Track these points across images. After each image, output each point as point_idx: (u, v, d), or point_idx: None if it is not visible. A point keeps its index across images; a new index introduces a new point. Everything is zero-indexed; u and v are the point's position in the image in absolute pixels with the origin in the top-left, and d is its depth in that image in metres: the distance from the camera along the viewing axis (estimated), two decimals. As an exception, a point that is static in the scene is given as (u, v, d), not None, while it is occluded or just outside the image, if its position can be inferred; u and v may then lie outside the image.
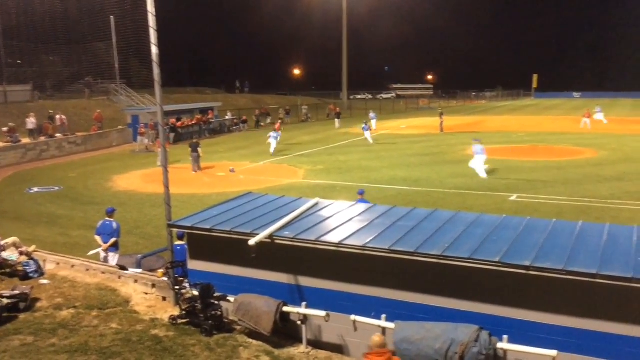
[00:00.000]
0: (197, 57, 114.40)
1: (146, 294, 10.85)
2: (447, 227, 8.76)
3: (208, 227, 9.52)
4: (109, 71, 48.07)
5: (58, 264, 12.35)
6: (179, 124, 42.00)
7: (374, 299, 8.27)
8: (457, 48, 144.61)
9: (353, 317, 8.22)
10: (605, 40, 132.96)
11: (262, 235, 8.81)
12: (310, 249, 8.63)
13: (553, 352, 6.93)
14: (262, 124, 54.03)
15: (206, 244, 9.77)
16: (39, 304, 10.25)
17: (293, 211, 9.90)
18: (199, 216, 10.17)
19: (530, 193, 20.84)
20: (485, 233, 8.36)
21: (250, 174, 26.69)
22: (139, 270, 11.67)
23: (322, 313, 8.42)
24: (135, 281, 11.15)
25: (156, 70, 10.10)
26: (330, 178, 25.21)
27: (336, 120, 51.97)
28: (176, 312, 9.77)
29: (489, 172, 24.49)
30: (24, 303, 10.00)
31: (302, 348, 8.76)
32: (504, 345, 7.27)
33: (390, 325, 7.89)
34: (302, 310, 8.66)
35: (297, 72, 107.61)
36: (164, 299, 10.57)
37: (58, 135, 36.83)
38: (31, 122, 35.47)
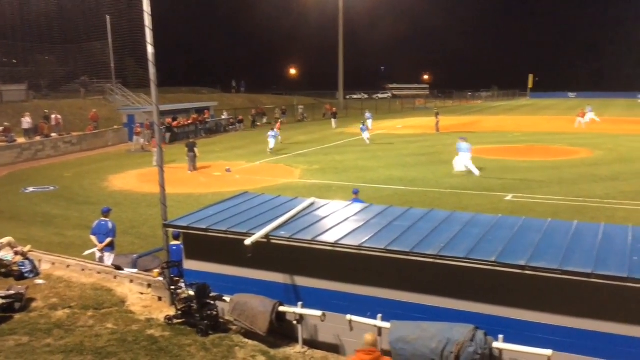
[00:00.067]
0: (193, 57, 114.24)
1: (142, 294, 10.83)
2: (443, 227, 8.77)
3: (204, 227, 9.51)
4: (105, 70, 47.96)
5: (53, 263, 12.32)
6: (175, 123, 41.96)
7: (370, 299, 8.27)
8: (453, 48, 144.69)
9: (349, 316, 8.23)
10: (601, 41, 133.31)
11: (258, 235, 8.81)
12: (306, 248, 8.63)
13: (548, 352, 6.94)
14: (258, 123, 54.04)
15: (202, 244, 9.76)
16: (34, 304, 10.22)
17: (289, 211, 9.90)
18: (194, 216, 10.15)
19: (526, 193, 20.89)
20: (481, 233, 8.37)
21: (246, 174, 26.68)
22: (135, 270, 11.66)
23: (318, 313, 8.42)
24: (131, 281, 11.13)
25: (152, 70, 10.08)
26: (327, 178, 25.22)
27: (332, 120, 51.96)
28: (172, 312, 9.76)
29: (467, 172, 24.86)
30: (19, 303, 9.97)
31: (298, 348, 8.76)
32: (499, 344, 7.28)
33: (386, 325, 7.90)
34: (298, 310, 8.65)
35: (293, 71, 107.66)
36: (160, 299, 10.55)
37: (53, 134, 36.75)
38: (26, 121, 35.37)
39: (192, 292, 9.44)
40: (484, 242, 7.99)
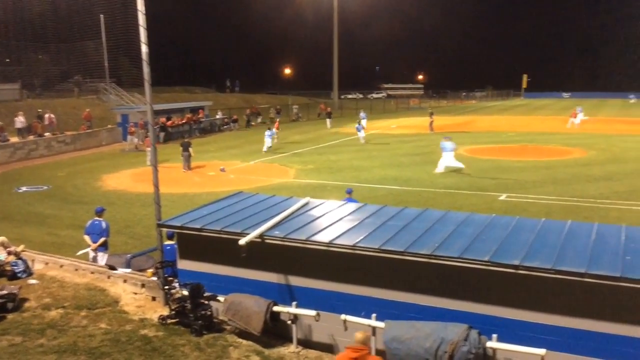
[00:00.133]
0: (188, 56, 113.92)
1: (135, 293, 10.80)
2: (437, 227, 8.78)
3: (198, 226, 9.49)
4: (99, 70, 47.80)
5: (47, 263, 12.27)
6: (169, 123, 41.85)
7: (364, 299, 8.28)
8: (447, 48, 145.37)
9: (343, 316, 8.22)
10: (595, 41, 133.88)
11: (252, 235, 8.80)
12: (301, 248, 8.63)
13: (542, 351, 6.96)
14: (253, 123, 53.97)
15: (196, 244, 9.73)
16: (27, 304, 10.17)
17: (283, 211, 9.89)
18: (188, 216, 10.13)
19: (520, 192, 20.96)
20: (475, 232, 8.39)
21: (240, 173, 26.65)
22: (128, 270, 11.63)
23: (313, 312, 8.41)
24: (125, 281, 11.10)
25: (146, 69, 10.04)
26: (321, 177, 25.22)
27: (327, 120, 51.94)
28: (166, 312, 9.74)
29: (450, 170, 25.28)
30: (12, 303, 9.92)
31: (292, 348, 8.75)
32: (493, 344, 7.30)
33: (380, 324, 7.90)
34: (293, 309, 8.65)
35: (287, 71, 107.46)
36: (154, 298, 10.52)
37: (47, 134, 36.60)
38: (20, 121, 35.19)
39: (186, 292, 9.41)
40: (478, 241, 8.01)
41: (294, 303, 8.68)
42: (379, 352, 7.81)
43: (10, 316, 9.64)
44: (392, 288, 8.11)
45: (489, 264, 7.32)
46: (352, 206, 10.49)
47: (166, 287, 9.93)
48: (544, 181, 23.08)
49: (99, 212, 13.16)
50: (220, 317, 9.38)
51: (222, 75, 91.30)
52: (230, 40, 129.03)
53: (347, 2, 74.91)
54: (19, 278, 11.40)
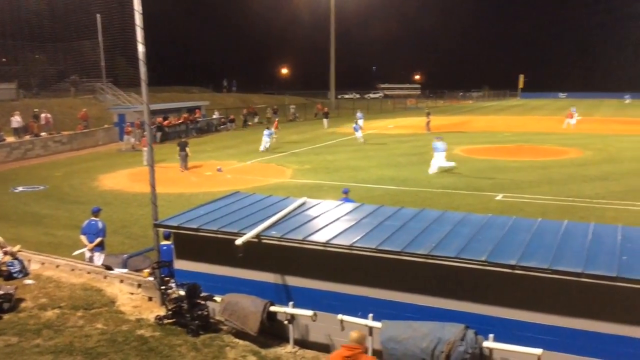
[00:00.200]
0: (185, 56, 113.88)
1: (132, 294, 10.79)
2: (433, 227, 8.79)
3: (195, 226, 9.48)
4: (95, 69, 47.64)
5: (43, 263, 12.24)
6: (166, 122, 41.79)
7: (361, 299, 8.28)
8: (444, 48, 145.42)
9: (340, 316, 8.22)
10: (591, 41, 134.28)
11: (249, 235, 8.79)
12: (298, 248, 8.63)
13: (538, 351, 6.98)
14: (250, 123, 53.94)
15: (193, 244, 9.72)
16: (23, 304, 10.15)
17: (280, 211, 9.89)
18: (185, 216, 10.12)
19: (516, 192, 20.99)
20: (472, 232, 8.40)
21: (237, 173, 26.62)
22: (125, 270, 11.60)
23: (309, 312, 8.41)
24: (121, 281, 11.08)
25: (143, 69, 10.03)
26: (318, 177, 25.22)
27: (324, 120, 51.88)
28: (162, 312, 9.73)
29: (445, 170, 25.48)
30: (8, 303, 9.90)
31: (289, 348, 8.75)
32: (489, 343, 7.30)
33: (377, 324, 7.91)
34: (289, 309, 8.65)
35: (284, 71, 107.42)
36: (150, 299, 10.51)
37: (43, 134, 36.52)
38: (16, 120, 35.12)
39: (182, 292, 9.41)
40: (474, 241, 8.02)
41: (290, 303, 8.69)
42: (375, 352, 7.82)
43: (6, 316, 9.62)
44: (389, 288, 8.11)
45: (485, 264, 7.33)
46: (349, 206, 10.49)
47: (163, 287, 9.93)
48: (540, 181, 23.12)
49: (96, 212, 13.13)
50: (217, 317, 9.38)
51: (219, 75, 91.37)
52: (228, 40, 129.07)
53: (344, 2, 74.90)
54: (15, 278, 11.37)
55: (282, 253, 8.84)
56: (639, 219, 16.38)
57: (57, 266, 12.03)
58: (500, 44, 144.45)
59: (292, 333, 8.76)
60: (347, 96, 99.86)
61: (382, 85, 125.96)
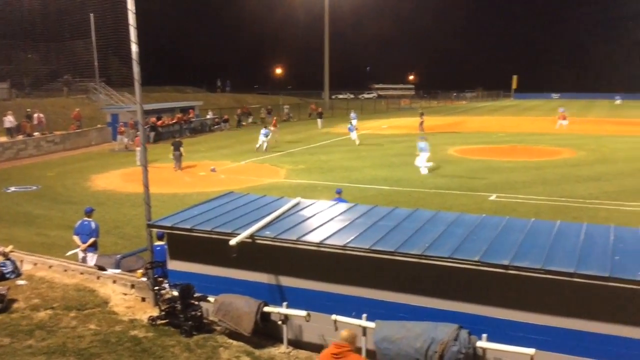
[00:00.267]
0: (178, 56, 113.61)
1: (125, 294, 10.75)
2: (427, 227, 8.81)
3: (188, 227, 9.46)
4: (88, 69, 47.44)
5: (35, 264, 12.18)
6: (159, 122, 41.70)
7: (355, 299, 8.28)
8: (438, 49, 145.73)
9: (334, 316, 8.22)
10: (584, 42, 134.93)
11: (242, 235, 8.78)
12: (291, 248, 8.62)
13: (531, 351, 6.99)
14: (244, 123, 53.88)
15: (186, 244, 9.70)
16: (15, 305, 10.09)
17: (274, 211, 9.88)
18: (179, 216, 10.09)
19: (509, 193, 21.06)
20: (465, 232, 8.42)
21: (231, 174, 26.59)
22: (118, 271, 11.57)
23: (303, 313, 8.40)
24: (114, 282, 11.04)
25: (136, 69, 10.00)
26: (312, 178, 25.22)
27: (318, 120, 51.90)
28: (155, 312, 9.70)
29: (431, 169, 25.76)
30: (0, 304, 9.84)
31: (283, 348, 8.74)
32: (483, 343, 7.32)
33: (371, 324, 7.91)
34: (283, 310, 8.64)
35: (278, 71, 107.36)
36: (143, 299, 10.48)
37: (36, 133, 36.36)
38: (8, 120, 34.94)
39: (176, 293, 9.38)
40: (468, 241, 8.04)
41: (284, 303, 8.68)
42: (369, 353, 7.83)
43: (-2, 317, 9.57)
44: (383, 288, 8.12)
45: (479, 264, 7.35)
46: (342, 206, 10.49)
47: (156, 287, 9.89)
48: (533, 181, 23.21)
49: (89, 213, 13.09)
50: (211, 318, 9.36)
51: (213, 75, 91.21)
52: (221, 40, 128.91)
53: (339, 2, 74.93)
54: (7, 279, 11.30)
55: (275, 253, 8.83)
56: (632, 219, 16.46)
57: (50, 267, 11.97)
58: (494, 44, 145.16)
59: (286, 333, 8.75)
60: (341, 96, 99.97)
61: (376, 86, 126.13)
